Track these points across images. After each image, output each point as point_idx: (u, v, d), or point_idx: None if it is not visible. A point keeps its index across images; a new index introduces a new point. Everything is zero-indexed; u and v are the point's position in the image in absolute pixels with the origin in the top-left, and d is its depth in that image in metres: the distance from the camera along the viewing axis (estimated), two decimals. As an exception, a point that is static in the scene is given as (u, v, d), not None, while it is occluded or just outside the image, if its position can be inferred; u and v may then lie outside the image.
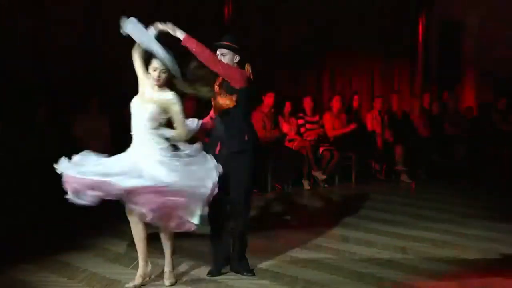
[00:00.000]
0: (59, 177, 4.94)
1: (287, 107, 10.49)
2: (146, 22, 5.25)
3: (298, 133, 10.44)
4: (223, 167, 5.28)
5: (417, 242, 6.87)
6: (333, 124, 10.54)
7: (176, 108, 5.17)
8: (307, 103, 10.68)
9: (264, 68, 11.70)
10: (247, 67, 5.63)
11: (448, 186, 10.28)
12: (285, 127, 10.26)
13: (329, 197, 9.54)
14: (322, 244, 6.72)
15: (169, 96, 5.17)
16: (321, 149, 10.29)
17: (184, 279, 5.55)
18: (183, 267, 5.82)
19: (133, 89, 5.37)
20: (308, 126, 10.55)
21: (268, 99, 10.10)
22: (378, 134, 10.86)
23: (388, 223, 7.70)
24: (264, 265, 5.98)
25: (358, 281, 5.58)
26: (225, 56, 5.52)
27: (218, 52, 5.53)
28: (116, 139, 8.75)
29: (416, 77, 13.60)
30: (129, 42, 5.22)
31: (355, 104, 11.21)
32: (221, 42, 5.56)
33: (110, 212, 7.40)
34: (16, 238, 6.82)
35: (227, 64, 5.48)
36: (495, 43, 13.56)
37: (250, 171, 5.63)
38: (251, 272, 5.68)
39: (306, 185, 10.03)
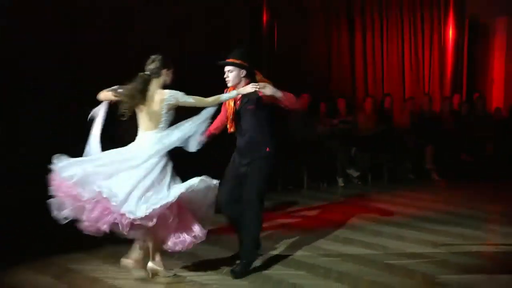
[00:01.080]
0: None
1: (322, 108, 10.46)
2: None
3: (332, 132, 10.37)
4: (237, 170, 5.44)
5: (447, 237, 6.76)
6: (365, 124, 10.44)
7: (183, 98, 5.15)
8: (341, 104, 10.63)
9: (297, 71, 11.79)
10: (259, 76, 5.53)
11: (477, 185, 10.09)
12: (319, 128, 10.22)
13: (361, 193, 9.46)
14: (355, 238, 6.67)
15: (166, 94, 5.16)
16: (354, 148, 10.22)
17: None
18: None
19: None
20: (341, 125, 10.47)
21: (304, 101, 10.06)
22: (409, 134, 10.72)
23: (419, 219, 7.60)
24: (299, 257, 5.97)
25: (390, 273, 5.52)
26: (231, 72, 5.44)
27: (225, 69, 5.47)
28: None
29: (446, 79, 13.42)
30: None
31: (386, 105, 11.07)
32: (225, 60, 5.47)
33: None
34: (65, 231, 6.86)
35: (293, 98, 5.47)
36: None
37: (265, 174, 5.50)
38: (236, 274, 5.41)
39: (340, 182, 9.97)
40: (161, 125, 5.19)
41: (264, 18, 11.47)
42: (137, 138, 5.24)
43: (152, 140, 5.14)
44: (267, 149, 5.49)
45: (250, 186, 5.44)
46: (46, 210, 4.97)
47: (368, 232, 6.94)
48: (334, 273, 5.48)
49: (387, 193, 9.43)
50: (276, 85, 5.37)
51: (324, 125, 10.29)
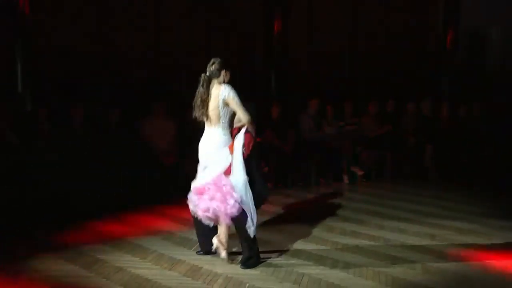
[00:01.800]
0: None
1: (329, 111, 10.53)
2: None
3: (339, 133, 10.45)
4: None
5: (444, 230, 6.85)
6: (369, 126, 10.53)
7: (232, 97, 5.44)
8: (347, 107, 10.70)
9: (309, 74, 11.88)
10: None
11: (474, 182, 10.12)
12: (327, 129, 10.31)
13: (366, 190, 9.52)
14: (359, 231, 6.75)
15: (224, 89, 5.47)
16: (359, 148, 10.29)
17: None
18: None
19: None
20: (347, 127, 10.55)
21: (313, 105, 10.21)
22: (410, 135, 10.77)
23: (419, 213, 7.68)
24: (308, 249, 6.07)
25: (392, 263, 5.62)
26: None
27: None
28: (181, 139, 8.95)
29: (444, 84, 13.46)
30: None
31: (389, 108, 11.13)
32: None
33: (172, 201, 7.69)
34: (92, 225, 7.05)
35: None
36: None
37: None
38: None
39: (345, 179, 10.04)
40: (222, 121, 5.50)
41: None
42: (204, 134, 5.58)
43: (216, 135, 5.49)
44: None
45: None
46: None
47: (372, 225, 7.03)
48: (341, 264, 5.58)
49: (389, 190, 9.49)
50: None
51: (331, 126, 10.37)
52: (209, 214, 5.44)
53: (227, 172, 5.46)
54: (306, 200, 8.65)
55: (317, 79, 11.98)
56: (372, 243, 6.30)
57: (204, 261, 5.66)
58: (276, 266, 5.53)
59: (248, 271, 5.42)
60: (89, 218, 7.14)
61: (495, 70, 14.05)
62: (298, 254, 5.89)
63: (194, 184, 5.58)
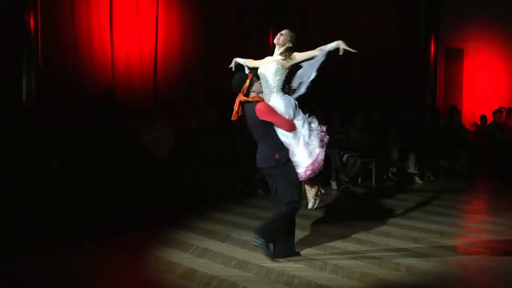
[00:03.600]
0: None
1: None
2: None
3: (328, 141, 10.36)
4: None
5: (427, 233, 6.78)
6: (357, 136, 10.47)
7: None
8: (335, 117, 10.63)
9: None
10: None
11: (453, 187, 10.09)
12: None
13: (352, 195, 9.46)
14: (347, 235, 6.66)
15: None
16: (346, 156, 10.23)
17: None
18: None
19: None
20: (335, 136, 10.49)
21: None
22: (395, 142, 10.73)
23: (403, 217, 7.61)
24: (302, 251, 5.97)
25: (378, 266, 5.55)
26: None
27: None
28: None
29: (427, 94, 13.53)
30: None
31: (376, 117, 11.10)
32: None
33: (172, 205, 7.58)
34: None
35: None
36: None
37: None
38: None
39: (333, 185, 9.96)
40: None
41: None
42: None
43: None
44: (276, 156, 5.54)
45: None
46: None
47: (359, 229, 6.92)
48: (330, 266, 5.50)
49: (374, 195, 9.45)
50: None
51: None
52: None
53: None
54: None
55: (307, 91, 11.90)
56: (359, 246, 6.22)
57: (200, 264, 5.56)
58: (268, 268, 5.44)
59: (241, 273, 5.33)
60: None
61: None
62: (289, 257, 5.76)
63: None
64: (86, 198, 7.70)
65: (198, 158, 8.91)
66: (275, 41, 5.70)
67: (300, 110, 5.64)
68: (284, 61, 5.58)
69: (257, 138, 5.68)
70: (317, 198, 5.89)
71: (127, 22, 10.34)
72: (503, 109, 12.32)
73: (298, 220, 6.99)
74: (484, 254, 5.97)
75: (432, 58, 13.51)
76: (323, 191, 5.99)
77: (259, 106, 5.49)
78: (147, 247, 6.11)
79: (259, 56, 5.93)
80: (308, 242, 6.36)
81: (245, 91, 5.57)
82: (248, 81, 5.58)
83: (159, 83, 10.68)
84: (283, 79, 5.58)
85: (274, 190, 5.70)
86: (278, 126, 5.52)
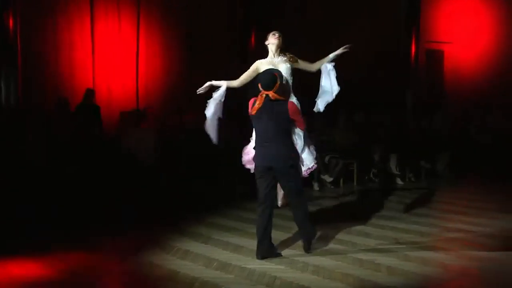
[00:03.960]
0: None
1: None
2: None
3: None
4: None
5: (407, 233, 6.83)
6: (340, 138, 10.51)
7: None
8: (318, 119, 10.63)
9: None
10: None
11: (433, 187, 10.18)
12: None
13: (334, 196, 9.46)
14: (328, 235, 6.66)
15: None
16: (328, 157, 10.25)
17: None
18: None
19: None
20: (321, 138, 10.51)
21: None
22: (376, 144, 10.79)
23: (384, 218, 7.65)
24: (282, 253, 5.97)
25: (360, 266, 5.58)
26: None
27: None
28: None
29: (408, 96, 13.62)
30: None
31: (359, 119, 11.15)
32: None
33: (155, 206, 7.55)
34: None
35: None
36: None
37: None
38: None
39: (315, 186, 9.97)
40: None
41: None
42: None
43: None
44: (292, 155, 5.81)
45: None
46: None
47: (340, 230, 6.93)
48: (311, 267, 5.51)
49: (356, 196, 9.48)
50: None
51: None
52: None
53: None
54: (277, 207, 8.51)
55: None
56: (340, 247, 6.24)
57: (182, 266, 5.55)
58: (250, 269, 5.45)
59: (223, 274, 5.33)
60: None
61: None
62: (271, 258, 5.79)
63: None
64: (69, 199, 7.63)
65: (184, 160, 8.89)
66: (275, 42, 5.90)
67: None
68: (292, 63, 5.94)
69: (271, 137, 5.71)
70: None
71: (109, 25, 10.32)
72: (481, 111, 12.47)
73: (279, 221, 7.07)
74: (464, 254, 6.02)
75: (412, 58, 13.61)
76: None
77: (292, 105, 5.75)
78: (128, 249, 6.09)
79: (240, 68, 6.01)
80: (290, 243, 6.36)
81: (276, 89, 5.65)
82: (280, 80, 5.70)
83: (141, 87, 10.65)
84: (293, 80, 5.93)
85: (270, 188, 5.77)
86: (299, 126, 5.80)
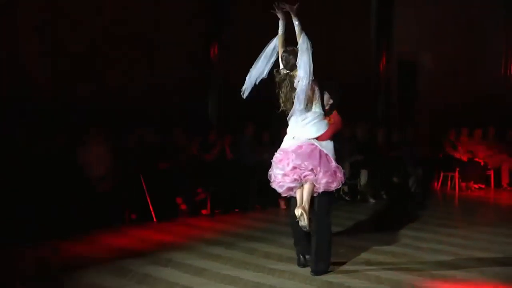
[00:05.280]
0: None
1: (265, 136, 10.52)
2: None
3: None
4: None
5: (380, 254, 6.87)
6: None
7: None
8: (284, 132, 10.66)
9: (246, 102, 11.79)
10: None
11: (405, 205, 10.30)
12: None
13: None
14: (295, 256, 6.53)
15: None
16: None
17: None
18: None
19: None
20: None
21: (249, 129, 10.25)
22: (346, 160, 10.86)
23: (354, 238, 7.68)
24: (245, 275, 5.97)
25: (328, 289, 5.58)
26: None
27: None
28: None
29: (379, 109, 13.78)
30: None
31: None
32: None
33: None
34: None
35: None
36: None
37: None
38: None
39: (282, 204, 9.95)
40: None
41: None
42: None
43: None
44: None
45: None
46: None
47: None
48: (274, 291, 5.50)
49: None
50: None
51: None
52: None
53: None
54: (243, 226, 8.49)
55: (254, 105, 11.95)
56: (308, 268, 6.19)
57: None
58: None
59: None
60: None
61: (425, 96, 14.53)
62: (236, 281, 5.79)
63: None
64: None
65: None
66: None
67: None
68: None
69: None
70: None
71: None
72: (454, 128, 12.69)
73: (242, 243, 7.04)
74: (438, 275, 6.07)
75: (383, 71, 13.80)
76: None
77: None
78: (81, 272, 5.99)
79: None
80: (255, 265, 6.36)
81: None
82: None
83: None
84: None
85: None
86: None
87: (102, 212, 8.21)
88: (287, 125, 6.14)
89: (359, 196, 10.77)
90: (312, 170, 5.78)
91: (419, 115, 14.56)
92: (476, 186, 12.08)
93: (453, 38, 14.54)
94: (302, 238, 6.18)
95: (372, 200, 10.66)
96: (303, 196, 5.82)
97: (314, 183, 5.81)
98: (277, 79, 5.96)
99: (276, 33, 6.09)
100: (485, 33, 15.24)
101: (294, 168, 5.82)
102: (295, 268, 6.25)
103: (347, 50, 13.27)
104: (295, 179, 5.84)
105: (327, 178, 5.82)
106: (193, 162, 9.63)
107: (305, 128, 5.95)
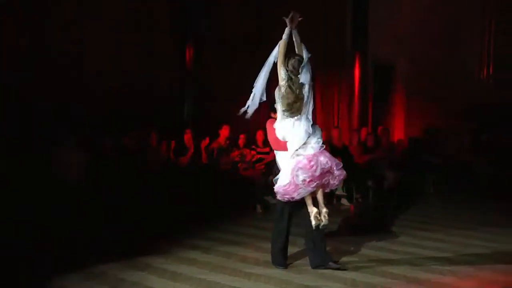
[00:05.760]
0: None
1: (242, 139, 10.62)
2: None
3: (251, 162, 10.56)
4: None
5: (355, 258, 6.98)
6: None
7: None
8: (259, 135, 10.78)
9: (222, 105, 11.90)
10: None
11: (381, 208, 10.45)
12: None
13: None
14: (269, 261, 6.69)
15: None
16: (271, 177, 10.33)
17: None
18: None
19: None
20: (259, 156, 10.67)
21: (224, 131, 10.34)
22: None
23: (330, 241, 7.67)
24: (222, 280, 6.05)
25: (306, 293, 5.68)
26: None
27: None
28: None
29: (353, 113, 13.94)
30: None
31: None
32: None
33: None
34: None
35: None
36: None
37: None
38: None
39: (258, 208, 10.05)
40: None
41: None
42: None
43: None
44: None
45: None
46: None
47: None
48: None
49: (300, 219, 9.53)
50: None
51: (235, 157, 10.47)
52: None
53: None
54: (218, 230, 8.58)
55: (229, 108, 12.03)
56: (284, 271, 6.35)
57: None
58: None
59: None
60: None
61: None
62: (212, 285, 5.87)
63: None
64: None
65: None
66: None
67: None
68: None
69: None
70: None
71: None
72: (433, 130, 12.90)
73: (217, 247, 7.13)
74: (413, 279, 6.20)
75: (358, 75, 13.97)
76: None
77: None
78: (60, 276, 6.03)
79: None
80: (233, 270, 6.44)
81: None
82: None
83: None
84: None
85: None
86: None
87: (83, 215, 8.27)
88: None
89: (334, 200, 10.88)
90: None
91: (395, 118, 14.76)
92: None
93: (430, 40, 14.72)
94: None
95: (347, 204, 10.80)
96: (319, 199, 6.26)
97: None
98: (290, 83, 6.17)
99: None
100: (459, 34, 15.42)
101: (327, 172, 6.20)
102: (271, 271, 6.35)
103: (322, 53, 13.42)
104: (322, 184, 6.19)
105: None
106: (167, 165, 9.69)
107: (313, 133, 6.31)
